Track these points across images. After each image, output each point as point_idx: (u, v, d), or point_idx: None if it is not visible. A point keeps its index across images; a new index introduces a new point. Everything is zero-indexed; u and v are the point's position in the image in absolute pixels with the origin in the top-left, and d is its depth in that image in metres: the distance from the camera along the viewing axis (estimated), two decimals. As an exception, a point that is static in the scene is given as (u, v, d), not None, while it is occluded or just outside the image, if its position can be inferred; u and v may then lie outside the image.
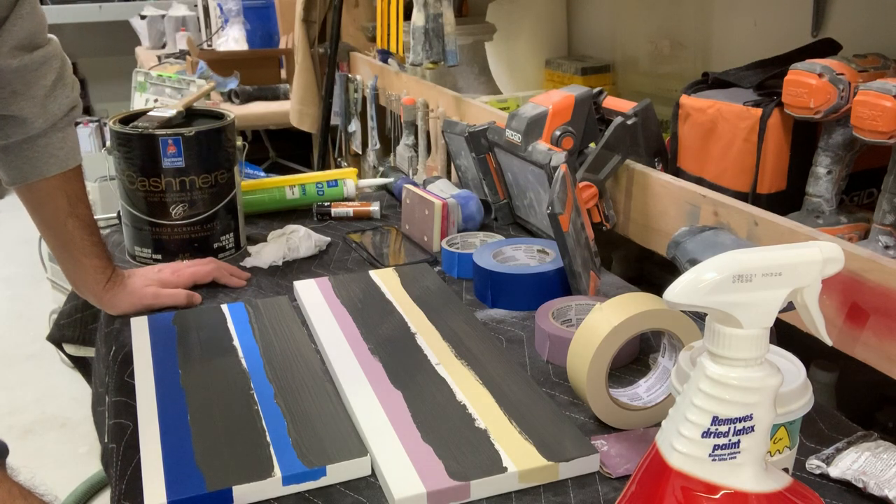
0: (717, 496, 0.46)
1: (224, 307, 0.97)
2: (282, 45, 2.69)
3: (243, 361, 0.84)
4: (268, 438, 0.71)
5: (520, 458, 0.68)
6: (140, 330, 0.92)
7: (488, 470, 0.66)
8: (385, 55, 1.94)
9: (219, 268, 1.06)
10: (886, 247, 0.82)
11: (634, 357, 0.87)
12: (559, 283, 0.98)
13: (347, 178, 1.35)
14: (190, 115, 1.17)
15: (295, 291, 1.01)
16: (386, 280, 1.02)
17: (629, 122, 1.08)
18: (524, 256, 1.05)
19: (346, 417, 0.74)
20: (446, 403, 0.76)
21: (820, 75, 0.85)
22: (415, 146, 1.75)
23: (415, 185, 1.25)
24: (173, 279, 1.03)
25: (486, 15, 1.88)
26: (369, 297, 0.98)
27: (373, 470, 0.69)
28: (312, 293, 0.99)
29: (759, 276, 0.45)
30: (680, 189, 1.00)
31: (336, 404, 0.76)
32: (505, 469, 0.66)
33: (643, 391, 0.77)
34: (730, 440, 0.46)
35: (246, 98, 2.48)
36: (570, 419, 0.76)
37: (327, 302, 0.97)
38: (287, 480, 0.66)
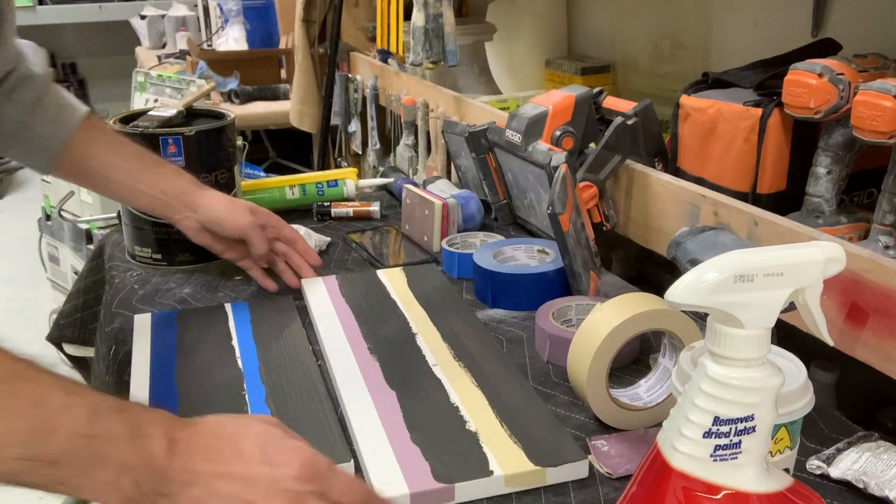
0: (719, 496, 0.46)
1: (227, 306, 0.97)
2: (282, 45, 2.69)
3: (239, 361, 0.84)
4: None
5: (507, 461, 0.67)
6: (142, 327, 0.92)
7: (474, 473, 0.66)
8: (385, 55, 1.94)
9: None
10: (886, 247, 0.82)
11: (635, 357, 0.87)
12: (559, 283, 0.98)
13: (347, 178, 1.35)
14: (190, 114, 1.17)
15: (302, 289, 1.01)
16: (392, 280, 1.02)
17: (629, 122, 1.08)
18: (524, 256, 1.05)
19: (335, 421, 0.73)
20: (439, 405, 0.75)
21: (820, 75, 0.85)
22: (415, 146, 1.75)
23: (415, 185, 1.25)
24: None
25: (486, 15, 1.88)
26: (374, 297, 0.98)
27: (360, 469, 0.69)
28: (319, 291, 0.99)
29: (760, 277, 0.45)
30: (680, 189, 1.00)
31: (326, 408, 0.75)
32: (491, 472, 0.66)
33: (644, 391, 0.77)
34: (731, 440, 0.46)
35: (246, 98, 2.48)
36: (567, 422, 0.76)
37: (332, 300, 0.97)
38: None
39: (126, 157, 0.96)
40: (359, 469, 0.69)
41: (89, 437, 0.51)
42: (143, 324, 0.93)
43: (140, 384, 0.80)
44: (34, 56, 0.99)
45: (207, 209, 0.97)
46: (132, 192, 0.97)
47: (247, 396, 0.78)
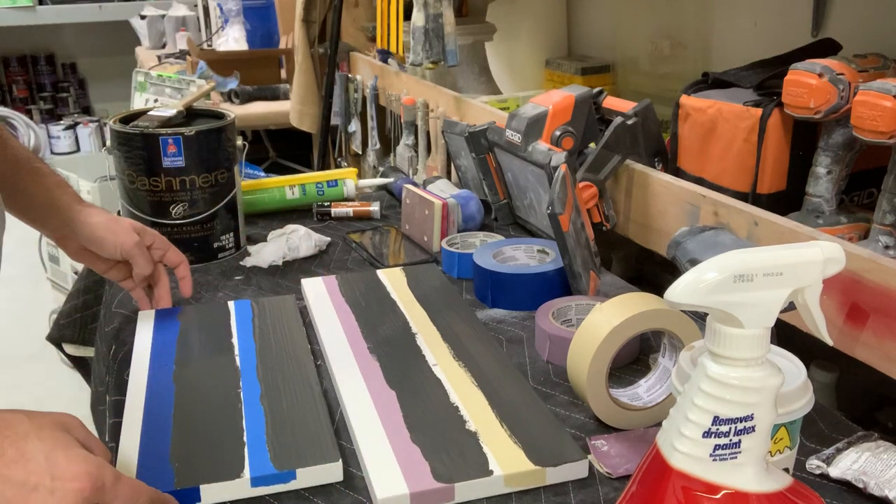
0: (718, 496, 0.46)
1: (230, 304, 0.97)
2: (282, 45, 2.69)
3: (237, 360, 0.84)
4: (244, 438, 0.70)
5: (507, 461, 0.67)
6: (145, 324, 0.92)
7: (474, 473, 0.66)
8: (385, 55, 1.94)
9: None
10: (886, 247, 0.82)
11: (634, 357, 0.87)
12: (559, 283, 0.98)
13: (347, 178, 1.35)
14: (190, 114, 1.17)
15: (302, 289, 1.01)
16: (392, 279, 1.02)
17: (629, 122, 1.08)
18: (524, 256, 1.05)
19: (326, 421, 0.73)
20: (439, 405, 0.75)
21: (820, 75, 0.85)
22: (415, 146, 1.75)
23: (415, 185, 1.25)
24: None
25: (486, 15, 1.88)
26: (374, 297, 0.98)
27: (358, 469, 0.68)
28: (318, 291, 0.99)
29: (760, 276, 0.45)
30: (680, 189, 1.00)
31: (319, 408, 0.75)
32: (491, 472, 0.66)
33: (643, 391, 0.77)
34: (731, 440, 0.46)
35: (246, 98, 2.48)
36: (567, 422, 0.76)
37: (332, 300, 0.97)
38: (256, 482, 0.66)
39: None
40: (355, 469, 0.69)
41: None
42: (146, 320, 0.93)
43: (138, 379, 0.80)
44: None
45: (87, 228, 0.91)
46: (8, 199, 0.87)
47: (241, 394, 0.78)
